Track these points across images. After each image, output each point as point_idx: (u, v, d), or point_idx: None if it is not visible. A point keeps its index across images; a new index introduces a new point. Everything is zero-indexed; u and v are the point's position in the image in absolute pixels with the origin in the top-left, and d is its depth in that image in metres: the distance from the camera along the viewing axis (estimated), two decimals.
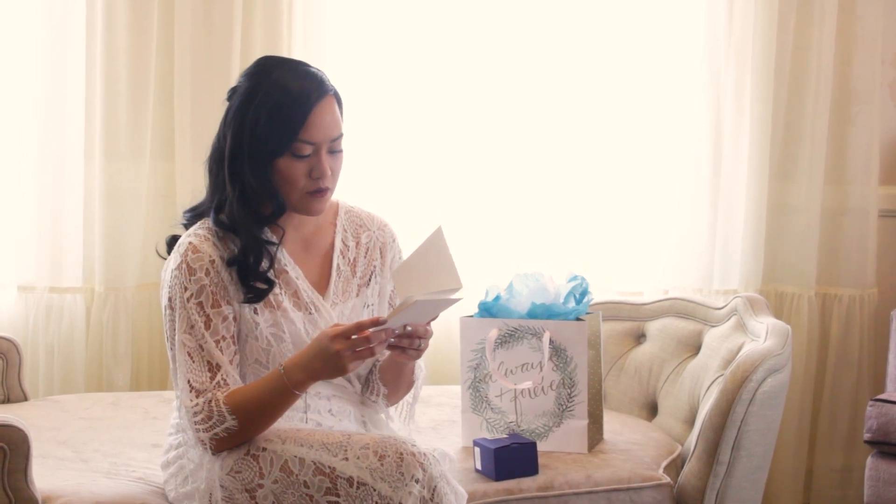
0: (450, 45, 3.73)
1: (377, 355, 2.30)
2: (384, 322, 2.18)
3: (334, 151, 2.32)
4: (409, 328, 2.25)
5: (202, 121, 3.52)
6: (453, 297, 2.22)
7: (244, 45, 3.58)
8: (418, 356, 2.32)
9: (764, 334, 2.87)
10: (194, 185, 3.40)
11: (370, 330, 2.18)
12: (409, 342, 2.27)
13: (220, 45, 3.56)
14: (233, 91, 2.34)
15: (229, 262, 2.29)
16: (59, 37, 3.52)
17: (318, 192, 2.31)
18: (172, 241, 2.39)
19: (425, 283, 2.21)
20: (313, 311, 2.37)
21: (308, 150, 2.28)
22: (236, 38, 3.56)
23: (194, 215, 2.40)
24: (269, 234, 2.35)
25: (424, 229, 3.52)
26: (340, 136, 2.32)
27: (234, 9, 3.55)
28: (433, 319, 2.31)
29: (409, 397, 2.56)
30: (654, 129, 3.80)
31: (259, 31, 3.59)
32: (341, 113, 2.35)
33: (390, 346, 2.27)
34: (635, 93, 3.78)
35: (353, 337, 2.19)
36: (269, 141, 2.26)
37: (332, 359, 2.20)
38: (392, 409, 2.55)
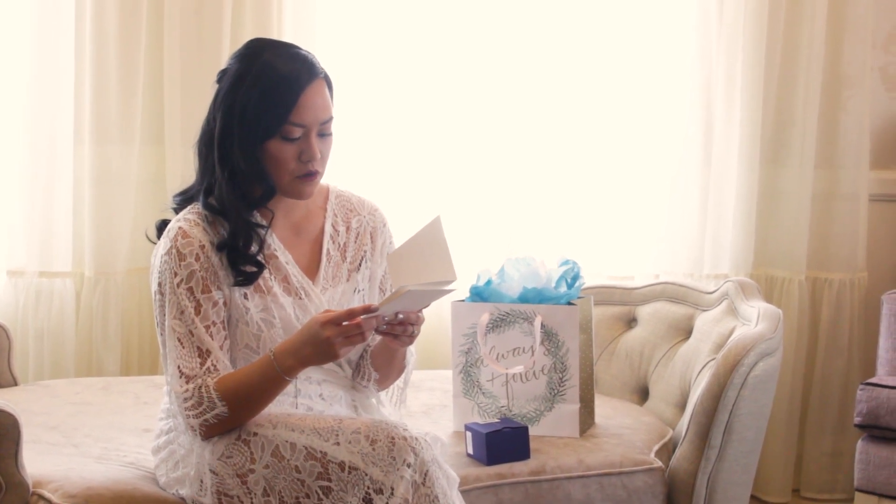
0: (442, 31, 3.70)
1: (368, 341, 2.28)
2: (375, 309, 2.17)
3: (324, 134, 2.31)
4: (400, 315, 2.24)
5: (192, 105, 3.50)
6: (446, 287, 2.20)
7: (234, 28, 3.55)
8: (410, 342, 2.31)
9: (755, 318, 2.87)
10: (184, 170, 3.41)
11: (361, 317, 2.17)
12: (402, 329, 2.26)
13: (209, 29, 3.53)
14: (222, 73, 2.32)
15: (219, 247, 2.28)
16: (49, 20, 3.49)
17: (308, 175, 2.30)
18: (162, 226, 2.37)
19: (419, 271, 2.20)
20: (303, 296, 2.36)
21: (298, 132, 2.27)
22: (226, 21, 3.53)
23: (184, 199, 2.39)
24: (258, 218, 2.34)
25: (416, 214, 3.57)
26: (330, 119, 2.31)
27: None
28: (425, 307, 2.30)
29: (399, 382, 2.55)
30: (645, 115, 3.78)
31: (249, 15, 3.56)
32: (332, 96, 2.33)
33: (382, 332, 2.26)
34: (626, 79, 3.76)
35: (344, 323, 2.18)
36: (258, 123, 2.24)
37: (322, 345, 2.19)
38: (383, 394, 2.54)
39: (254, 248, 2.31)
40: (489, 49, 3.72)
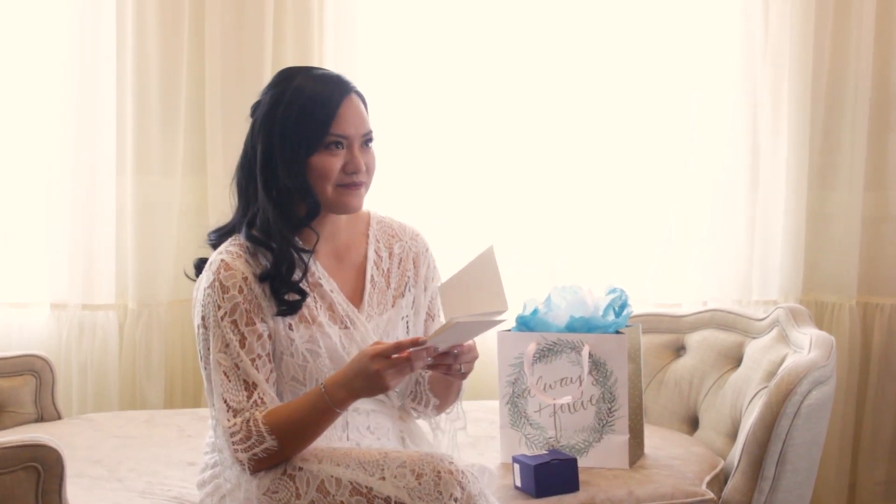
0: (484, 52, 3.70)
1: (417, 371, 2.28)
2: (424, 342, 2.17)
3: (367, 145, 2.33)
4: (455, 350, 2.24)
5: (233, 135, 3.50)
6: (496, 318, 2.19)
7: (275, 57, 3.57)
8: (463, 377, 2.30)
9: (807, 345, 2.85)
10: (226, 201, 3.37)
11: (410, 349, 2.17)
12: (452, 359, 2.25)
13: (251, 59, 3.55)
14: (256, 105, 2.36)
15: (261, 277, 2.28)
16: (90, 50, 3.50)
17: (354, 185, 2.31)
18: (200, 265, 2.38)
19: (470, 302, 2.20)
20: (349, 324, 2.36)
21: (341, 143, 2.29)
22: (267, 51, 3.55)
23: (220, 235, 2.40)
24: (301, 244, 2.34)
25: (462, 242, 3.57)
26: (370, 132, 2.33)
27: (265, 21, 3.54)
28: (475, 338, 2.28)
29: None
30: (690, 138, 3.76)
31: (290, 43, 3.57)
32: (367, 112, 2.36)
33: (432, 367, 2.25)
34: (672, 101, 3.74)
35: (394, 356, 2.18)
36: (301, 140, 2.27)
37: (372, 377, 2.19)
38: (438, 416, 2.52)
39: (297, 275, 2.31)
40: (534, 71, 3.71)
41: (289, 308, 2.30)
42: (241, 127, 3.41)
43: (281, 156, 2.28)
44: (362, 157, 2.31)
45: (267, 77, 3.51)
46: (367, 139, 2.32)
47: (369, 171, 2.34)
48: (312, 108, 2.27)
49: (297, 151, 2.27)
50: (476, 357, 2.28)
